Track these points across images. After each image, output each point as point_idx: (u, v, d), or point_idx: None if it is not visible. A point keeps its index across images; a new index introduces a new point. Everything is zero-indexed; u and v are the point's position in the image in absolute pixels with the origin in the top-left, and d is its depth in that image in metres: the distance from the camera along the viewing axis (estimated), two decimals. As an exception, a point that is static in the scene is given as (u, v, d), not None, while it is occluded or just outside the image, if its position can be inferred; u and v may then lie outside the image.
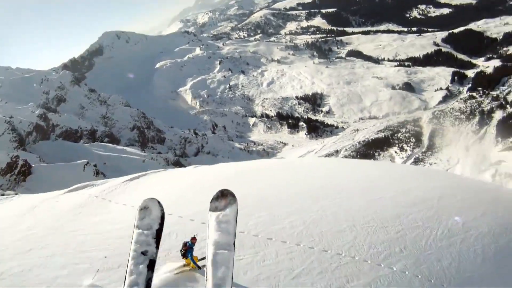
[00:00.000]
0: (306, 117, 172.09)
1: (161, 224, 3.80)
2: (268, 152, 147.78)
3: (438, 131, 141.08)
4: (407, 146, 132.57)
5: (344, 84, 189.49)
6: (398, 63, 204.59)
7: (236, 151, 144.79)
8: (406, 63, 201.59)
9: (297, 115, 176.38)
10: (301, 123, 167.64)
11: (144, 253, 3.59)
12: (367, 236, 7.82)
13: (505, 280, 7.25)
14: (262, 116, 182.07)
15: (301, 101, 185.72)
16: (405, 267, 6.90)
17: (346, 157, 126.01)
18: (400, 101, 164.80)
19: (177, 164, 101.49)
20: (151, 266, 3.54)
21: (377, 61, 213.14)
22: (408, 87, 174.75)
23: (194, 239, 7.27)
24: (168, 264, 7.24)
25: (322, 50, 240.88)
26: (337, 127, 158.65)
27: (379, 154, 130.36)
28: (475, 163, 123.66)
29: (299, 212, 8.89)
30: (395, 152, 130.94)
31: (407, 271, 6.79)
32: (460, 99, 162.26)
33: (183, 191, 11.86)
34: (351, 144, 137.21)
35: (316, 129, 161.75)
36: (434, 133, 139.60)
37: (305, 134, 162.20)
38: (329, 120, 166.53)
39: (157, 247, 3.68)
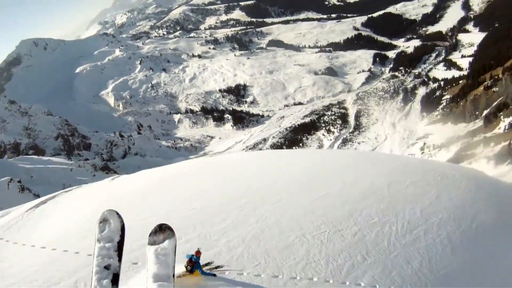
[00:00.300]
0: (231, 109, 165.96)
1: (122, 236, 3.68)
2: (196, 147, 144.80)
3: (363, 111, 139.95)
4: (334, 128, 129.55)
5: (266, 73, 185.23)
6: (319, 49, 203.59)
7: (163, 149, 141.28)
8: (327, 49, 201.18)
9: (221, 107, 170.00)
10: (226, 115, 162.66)
11: (107, 267, 3.46)
12: (321, 247, 6.90)
13: (479, 265, 7.02)
14: (186, 112, 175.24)
15: (225, 93, 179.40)
16: (373, 279, 6.14)
17: (274, 144, 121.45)
18: (323, 86, 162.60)
19: (105, 169, 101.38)
20: (115, 280, 3.47)
21: (298, 49, 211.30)
22: (330, 71, 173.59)
23: (198, 252, 7.40)
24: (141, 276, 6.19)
25: (243, 42, 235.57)
26: (262, 116, 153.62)
27: (307, 138, 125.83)
28: (403, 138, 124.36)
29: (236, 227, 7.91)
30: (323, 134, 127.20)
31: (377, 285, 6.03)
32: (383, 79, 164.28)
33: (94, 215, 6.66)
34: (278, 131, 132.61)
35: (242, 120, 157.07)
36: (360, 113, 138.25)
37: (231, 125, 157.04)
38: (254, 110, 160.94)
39: (120, 260, 3.56)
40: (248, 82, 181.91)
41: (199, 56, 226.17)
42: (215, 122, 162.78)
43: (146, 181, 13.94)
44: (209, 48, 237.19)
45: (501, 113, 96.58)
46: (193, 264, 7.78)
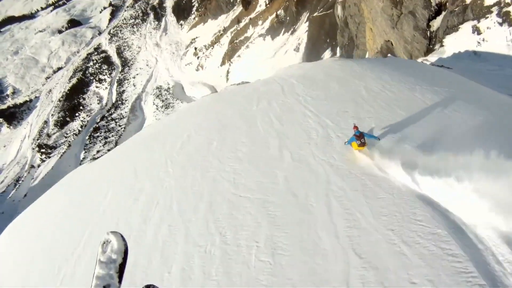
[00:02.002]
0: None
1: (125, 258, 3.49)
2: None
3: (122, 46, 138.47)
4: (104, 75, 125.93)
5: (13, 56, 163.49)
6: (53, 6, 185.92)
7: None
8: (61, 2, 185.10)
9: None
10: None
11: (106, 287, 3.31)
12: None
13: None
14: None
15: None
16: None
17: (57, 121, 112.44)
18: (73, 40, 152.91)
19: None
20: None
21: (32, 16, 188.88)
22: (74, 23, 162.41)
23: (355, 127, 8.80)
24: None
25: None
26: (31, 100, 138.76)
27: (84, 99, 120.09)
28: (172, 53, 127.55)
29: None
30: (96, 87, 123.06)
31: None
32: (127, 7, 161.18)
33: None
34: (54, 106, 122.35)
35: (14, 115, 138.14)
36: (120, 49, 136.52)
37: (8, 127, 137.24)
38: (20, 99, 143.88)
39: (120, 282, 3.36)
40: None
41: None
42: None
43: None
44: None
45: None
46: (361, 135, 8.76)
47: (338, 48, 66.69)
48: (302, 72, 17.28)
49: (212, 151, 13.17)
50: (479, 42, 27.88)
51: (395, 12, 38.80)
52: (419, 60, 29.23)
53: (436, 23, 34.68)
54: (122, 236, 3.58)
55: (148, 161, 15.75)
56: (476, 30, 28.70)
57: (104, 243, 3.54)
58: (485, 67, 24.90)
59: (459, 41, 29.46)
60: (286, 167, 10.10)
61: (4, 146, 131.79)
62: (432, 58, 28.88)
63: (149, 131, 21.49)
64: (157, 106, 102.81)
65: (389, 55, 32.07)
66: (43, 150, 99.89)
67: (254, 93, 17.00)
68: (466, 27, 29.98)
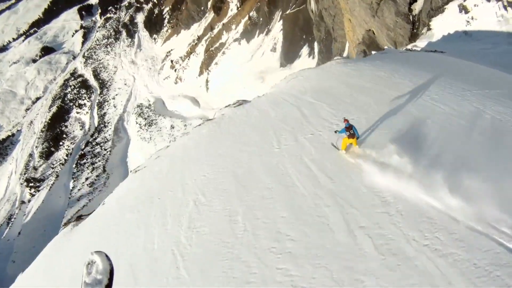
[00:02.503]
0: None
1: (110, 279, 3.54)
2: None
3: (98, 67, 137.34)
4: (83, 100, 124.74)
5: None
6: (24, 35, 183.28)
7: None
8: (32, 30, 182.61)
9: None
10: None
11: None
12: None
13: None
14: None
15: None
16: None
17: (43, 153, 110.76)
18: (49, 67, 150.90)
19: None
20: None
21: (4, 48, 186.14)
22: (47, 50, 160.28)
23: (346, 120, 9.20)
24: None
25: None
26: (13, 134, 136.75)
27: (66, 127, 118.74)
28: (149, 68, 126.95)
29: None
30: (77, 112, 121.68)
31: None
32: (99, 27, 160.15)
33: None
34: (37, 138, 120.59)
35: None
36: (97, 71, 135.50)
37: None
38: (2, 134, 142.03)
39: None
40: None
41: None
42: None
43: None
44: None
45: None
46: (350, 127, 8.98)
47: (315, 43, 66.85)
48: (312, 85, 14.19)
49: (239, 237, 8.64)
50: (468, 21, 27.11)
51: (374, -1, 38.09)
52: (409, 46, 28.36)
53: (418, 6, 33.62)
54: (107, 256, 3.63)
55: (146, 256, 10.38)
56: (463, 9, 27.84)
57: (88, 264, 3.61)
58: (479, 46, 24.20)
59: (446, 23, 28.51)
60: (377, 270, 6.33)
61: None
62: (421, 43, 28.05)
63: (134, 194, 15.45)
64: (140, 124, 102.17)
65: (385, 47, 31.29)
66: (32, 184, 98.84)
67: (265, 121, 13.09)
68: (452, 6, 29.05)
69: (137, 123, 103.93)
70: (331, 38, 56.50)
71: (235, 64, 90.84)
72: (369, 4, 38.46)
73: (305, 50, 71.51)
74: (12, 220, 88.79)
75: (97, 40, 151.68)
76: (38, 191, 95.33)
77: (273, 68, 77.50)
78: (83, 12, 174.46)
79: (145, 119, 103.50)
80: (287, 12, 76.77)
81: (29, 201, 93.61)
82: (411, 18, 34.13)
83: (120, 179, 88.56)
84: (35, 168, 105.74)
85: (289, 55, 74.61)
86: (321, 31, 60.95)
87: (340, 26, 50.79)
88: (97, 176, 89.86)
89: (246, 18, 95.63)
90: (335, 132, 9.60)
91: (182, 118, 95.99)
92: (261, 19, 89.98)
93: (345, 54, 48.55)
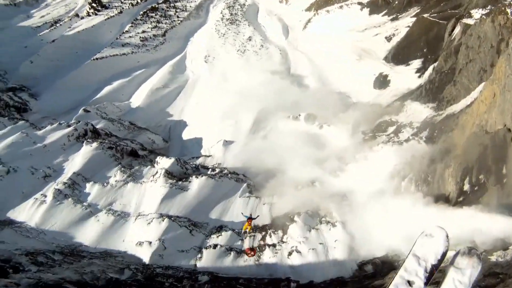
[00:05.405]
0: None
1: (440, 261, 3.51)
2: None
3: None
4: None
5: None
6: None
7: None
8: None
9: None
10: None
11: (409, 282, 3.41)
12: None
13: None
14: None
15: None
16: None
17: None
18: None
19: None
20: None
21: None
22: None
23: (250, 219, 22.56)
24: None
25: None
26: None
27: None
28: None
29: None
30: None
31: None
32: None
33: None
34: None
35: None
36: None
37: None
38: None
39: (426, 283, 3.37)
40: None
41: None
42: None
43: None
44: None
45: None
46: (250, 221, 23.13)
47: (431, 67, 52.96)
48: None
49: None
50: None
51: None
52: None
53: None
54: (447, 236, 3.23)
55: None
56: None
57: (425, 235, 3.29)
58: None
59: None
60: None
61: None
62: None
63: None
64: (223, 16, 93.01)
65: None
66: (94, 5, 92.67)
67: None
68: None
69: (221, 13, 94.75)
70: (450, 78, 42.44)
71: (343, 24, 79.13)
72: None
73: (416, 63, 57.89)
74: (57, 25, 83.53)
75: None
76: (96, 14, 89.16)
77: (377, 56, 65.65)
78: None
79: (231, 14, 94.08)
80: (425, 15, 62.46)
81: (82, 17, 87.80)
82: None
83: (174, 50, 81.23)
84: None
85: (398, 55, 62.08)
86: (446, 64, 46.63)
87: (471, 79, 36.11)
88: (154, 35, 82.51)
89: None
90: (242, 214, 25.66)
91: (264, 37, 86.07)
92: (396, 2, 76.32)
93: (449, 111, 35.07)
